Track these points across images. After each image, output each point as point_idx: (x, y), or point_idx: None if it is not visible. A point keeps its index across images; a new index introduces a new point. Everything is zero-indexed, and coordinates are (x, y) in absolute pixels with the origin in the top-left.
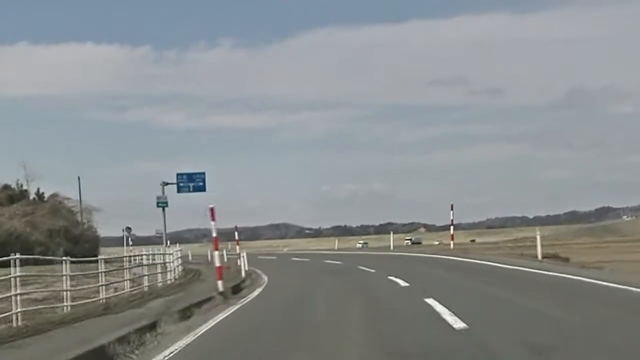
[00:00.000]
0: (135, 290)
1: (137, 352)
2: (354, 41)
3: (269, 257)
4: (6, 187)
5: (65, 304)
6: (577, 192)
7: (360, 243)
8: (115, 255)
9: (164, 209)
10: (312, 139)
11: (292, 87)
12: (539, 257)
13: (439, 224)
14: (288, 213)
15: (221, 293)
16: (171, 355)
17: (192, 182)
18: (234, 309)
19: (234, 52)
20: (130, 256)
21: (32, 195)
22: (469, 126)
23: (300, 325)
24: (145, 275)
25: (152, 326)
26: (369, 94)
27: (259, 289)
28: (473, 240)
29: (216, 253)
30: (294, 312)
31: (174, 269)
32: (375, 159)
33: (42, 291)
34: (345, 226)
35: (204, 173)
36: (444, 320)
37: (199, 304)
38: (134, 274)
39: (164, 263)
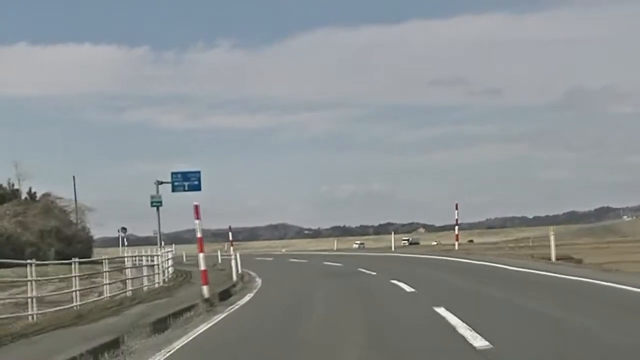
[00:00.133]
0: (117, 295)
1: None
2: (354, 41)
3: (267, 259)
4: None
5: (30, 312)
6: (577, 192)
7: (356, 244)
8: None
9: (158, 209)
10: (311, 139)
11: (292, 87)
12: (553, 258)
13: (438, 224)
14: (287, 213)
15: (206, 300)
16: None
17: (187, 181)
18: (219, 319)
19: (233, 52)
20: (114, 258)
21: (23, 195)
22: (468, 126)
23: (291, 340)
24: (128, 278)
25: (116, 342)
26: (368, 94)
27: (250, 294)
28: (471, 241)
29: (201, 255)
30: (285, 323)
31: (164, 271)
32: (375, 159)
33: (17, 297)
34: (344, 226)
35: (199, 172)
36: (460, 335)
37: (179, 313)
38: (120, 276)
39: (152, 265)
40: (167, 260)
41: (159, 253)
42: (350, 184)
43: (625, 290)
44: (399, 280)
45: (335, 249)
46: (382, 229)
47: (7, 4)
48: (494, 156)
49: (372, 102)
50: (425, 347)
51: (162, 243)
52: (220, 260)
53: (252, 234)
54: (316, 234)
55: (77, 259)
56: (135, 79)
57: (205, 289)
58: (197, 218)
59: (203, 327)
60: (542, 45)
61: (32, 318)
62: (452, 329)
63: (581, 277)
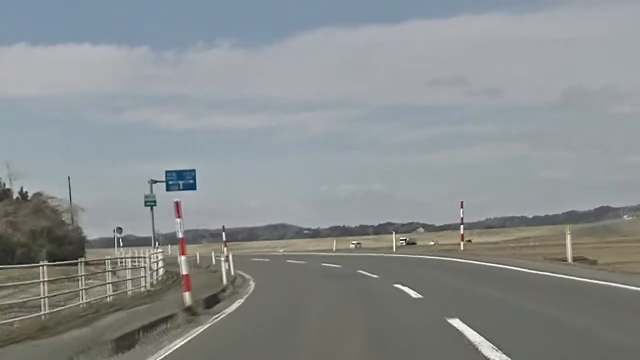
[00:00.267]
0: (98, 300)
1: None
2: (354, 41)
3: (264, 260)
4: None
5: None
6: (576, 192)
7: (353, 244)
8: (93, 258)
9: (152, 209)
10: (311, 139)
11: (292, 87)
12: (570, 260)
13: (438, 224)
14: (287, 213)
15: (188, 309)
16: None
17: (182, 180)
18: (199, 331)
19: (233, 52)
20: (93, 262)
21: (15, 195)
22: (468, 126)
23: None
24: (109, 283)
25: None
26: (368, 94)
27: (241, 300)
28: (469, 241)
29: (183, 258)
30: (275, 338)
31: (152, 273)
32: (375, 159)
33: None
34: (344, 227)
35: (194, 170)
36: (486, 359)
37: (154, 325)
38: (105, 280)
39: (139, 268)
40: (157, 262)
41: (146, 255)
42: (350, 184)
43: None
44: (403, 285)
45: (334, 249)
46: (382, 229)
47: (7, 4)
48: (494, 156)
49: (372, 102)
50: None
51: (158, 244)
52: (214, 262)
53: (251, 234)
54: (316, 234)
55: (45, 263)
56: (135, 79)
57: (187, 295)
58: (179, 216)
59: (180, 343)
60: (542, 45)
61: None
62: (475, 349)
63: (611, 282)
